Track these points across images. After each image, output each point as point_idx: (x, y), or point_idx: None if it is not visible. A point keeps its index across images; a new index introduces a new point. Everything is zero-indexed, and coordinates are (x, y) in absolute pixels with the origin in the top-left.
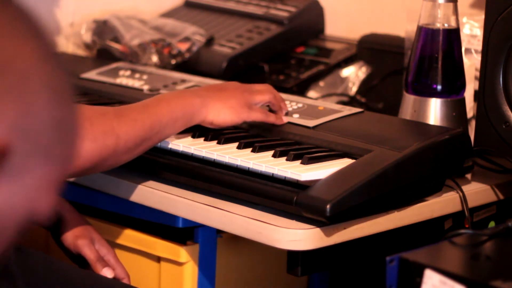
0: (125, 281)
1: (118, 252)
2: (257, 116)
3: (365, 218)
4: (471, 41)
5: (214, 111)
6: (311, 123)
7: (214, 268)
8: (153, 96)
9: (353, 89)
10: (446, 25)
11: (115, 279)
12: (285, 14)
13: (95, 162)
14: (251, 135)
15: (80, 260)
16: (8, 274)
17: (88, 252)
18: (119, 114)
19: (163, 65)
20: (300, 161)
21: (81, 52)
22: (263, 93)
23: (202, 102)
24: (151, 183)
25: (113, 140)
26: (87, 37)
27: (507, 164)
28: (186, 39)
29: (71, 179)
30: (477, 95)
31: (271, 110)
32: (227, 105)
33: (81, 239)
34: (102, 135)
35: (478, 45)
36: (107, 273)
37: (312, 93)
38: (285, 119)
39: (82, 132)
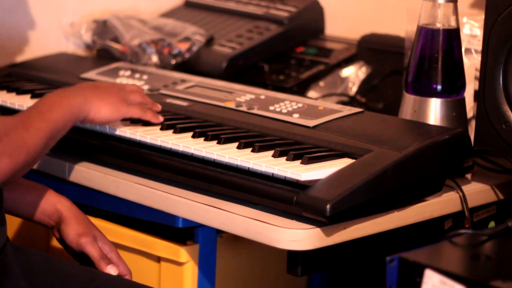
0: (127, 277)
1: (119, 252)
2: (135, 112)
3: (365, 218)
4: (471, 41)
5: (95, 108)
6: (311, 123)
7: (214, 268)
8: (41, 99)
9: (353, 89)
10: (446, 25)
11: (117, 276)
12: (285, 14)
13: (8, 177)
14: (251, 135)
15: (82, 258)
16: (9, 274)
17: (92, 250)
18: (25, 126)
19: (163, 65)
20: (300, 161)
21: (81, 52)
22: (134, 92)
23: (85, 100)
24: (151, 183)
25: (25, 153)
26: (87, 37)
27: (507, 164)
28: (186, 39)
29: (69, 179)
30: (477, 95)
31: None
32: (106, 102)
33: (84, 237)
34: (17, 150)
35: (478, 45)
36: (111, 270)
37: (312, 93)
38: (161, 118)
39: (0, 148)
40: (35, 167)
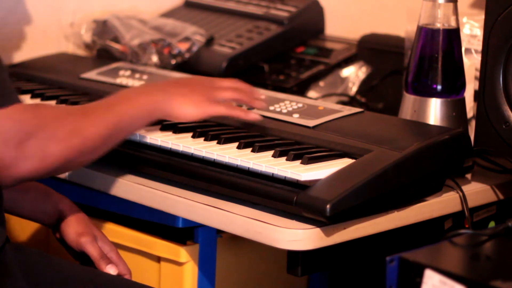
0: (127, 277)
1: (119, 252)
2: (220, 110)
3: (365, 218)
4: (471, 41)
5: (177, 105)
6: (311, 123)
7: (214, 268)
8: (116, 93)
9: (353, 89)
10: (446, 25)
11: (117, 275)
12: (285, 14)
13: (62, 162)
14: (251, 135)
15: (82, 258)
16: (9, 273)
17: (92, 250)
18: (85, 114)
19: (163, 65)
20: (300, 161)
21: (81, 52)
22: (226, 89)
23: (165, 97)
24: (151, 183)
25: (80, 140)
26: (87, 37)
27: (507, 164)
28: (186, 39)
29: (71, 179)
30: (477, 95)
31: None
32: (189, 99)
33: (84, 236)
34: (69, 136)
35: (478, 45)
36: (111, 270)
37: (312, 93)
38: (255, 115)
39: (49, 133)
40: None
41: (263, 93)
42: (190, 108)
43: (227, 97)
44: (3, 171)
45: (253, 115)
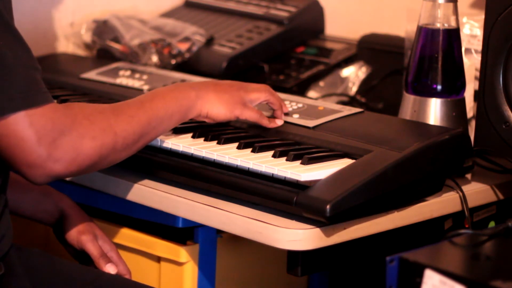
0: (127, 277)
1: (119, 252)
2: (250, 114)
3: (365, 218)
4: (471, 41)
5: (209, 104)
6: (311, 123)
7: (214, 268)
8: (149, 91)
9: (353, 89)
10: (446, 25)
11: (117, 275)
12: (285, 14)
13: (95, 160)
14: (251, 135)
15: (82, 257)
16: (14, 274)
17: (92, 248)
18: (116, 112)
19: (163, 65)
20: (300, 161)
21: (81, 52)
22: (259, 91)
23: (197, 95)
24: (151, 183)
25: (112, 137)
26: (87, 37)
27: (507, 164)
28: (186, 39)
29: (71, 179)
30: (477, 95)
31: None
32: (221, 100)
33: (84, 235)
34: (101, 133)
35: (478, 45)
36: (110, 269)
37: (312, 93)
38: (279, 122)
39: (82, 131)
40: None
41: None
42: (222, 108)
43: (260, 100)
44: (37, 169)
45: (280, 123)
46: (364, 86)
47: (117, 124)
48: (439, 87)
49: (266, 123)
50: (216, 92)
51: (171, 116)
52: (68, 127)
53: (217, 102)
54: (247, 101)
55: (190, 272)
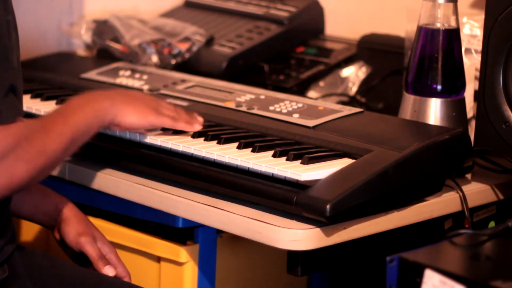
0: (126, 279)
1: (118, 252)
2: (164, 121)
3: (365, 218)
4: (471, 41)
5: (122, 113)
6: (311, 123)
7: (214, 268)
8: (67, 102)
9: (353, 89)
10: (446, 25)
11: (116, 277)
12: (285, 14)
13: (27, 182)
14: (251, 135)
15: (81, 259)
16: (18, 276)
17: (91, 250)
18: (46, 129)
19: (163, 65)
20: (300, 161)
21: (81, 52)
22: (167, 106)
23: (112, 104)
24: (151, 183)
25: (44, 159)
26: (87, 37)
27: (507, 164)
28: (186, 39)
29: (72, 179)
30: (477, 95)
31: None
32: (134, 108)
33: (83, 236)
34: (36, 156)
35: (478, 45)
36: (109, 271)
37: (312, 93)
38: (198, 128)
39: (20, 152)
40: None
41: (263, 93)
42: (134, 117)
43: (170, 112)
44: None
45: (198, 127)
46: (364, 86)
47: (49, 144)
48: (439, 87)
49: (183, 126)
50: (130, 101)
51: (90, 129)
52: (7, 149)
53: (130, 110)
54: (159, 110)
55: (190, 272)
